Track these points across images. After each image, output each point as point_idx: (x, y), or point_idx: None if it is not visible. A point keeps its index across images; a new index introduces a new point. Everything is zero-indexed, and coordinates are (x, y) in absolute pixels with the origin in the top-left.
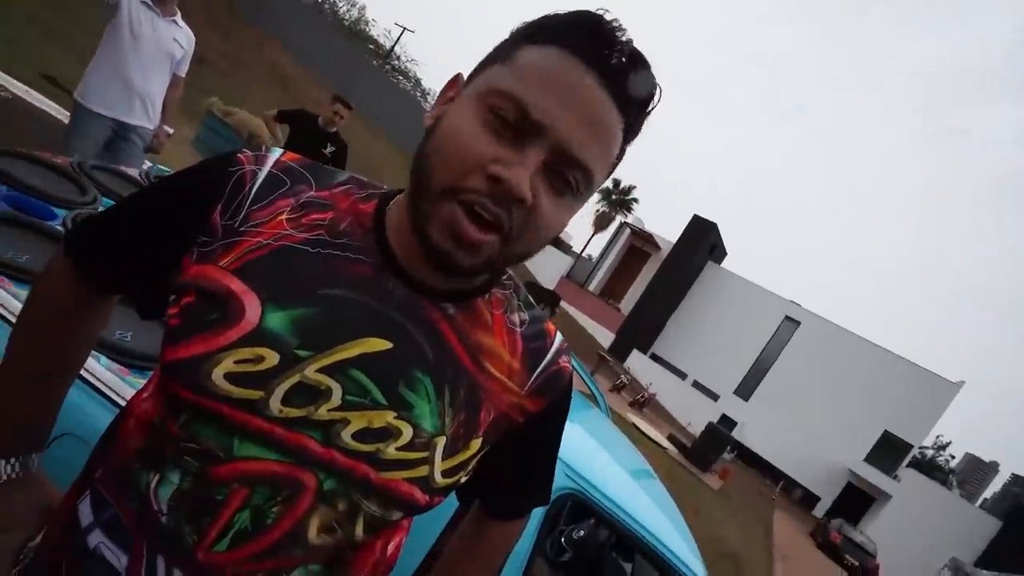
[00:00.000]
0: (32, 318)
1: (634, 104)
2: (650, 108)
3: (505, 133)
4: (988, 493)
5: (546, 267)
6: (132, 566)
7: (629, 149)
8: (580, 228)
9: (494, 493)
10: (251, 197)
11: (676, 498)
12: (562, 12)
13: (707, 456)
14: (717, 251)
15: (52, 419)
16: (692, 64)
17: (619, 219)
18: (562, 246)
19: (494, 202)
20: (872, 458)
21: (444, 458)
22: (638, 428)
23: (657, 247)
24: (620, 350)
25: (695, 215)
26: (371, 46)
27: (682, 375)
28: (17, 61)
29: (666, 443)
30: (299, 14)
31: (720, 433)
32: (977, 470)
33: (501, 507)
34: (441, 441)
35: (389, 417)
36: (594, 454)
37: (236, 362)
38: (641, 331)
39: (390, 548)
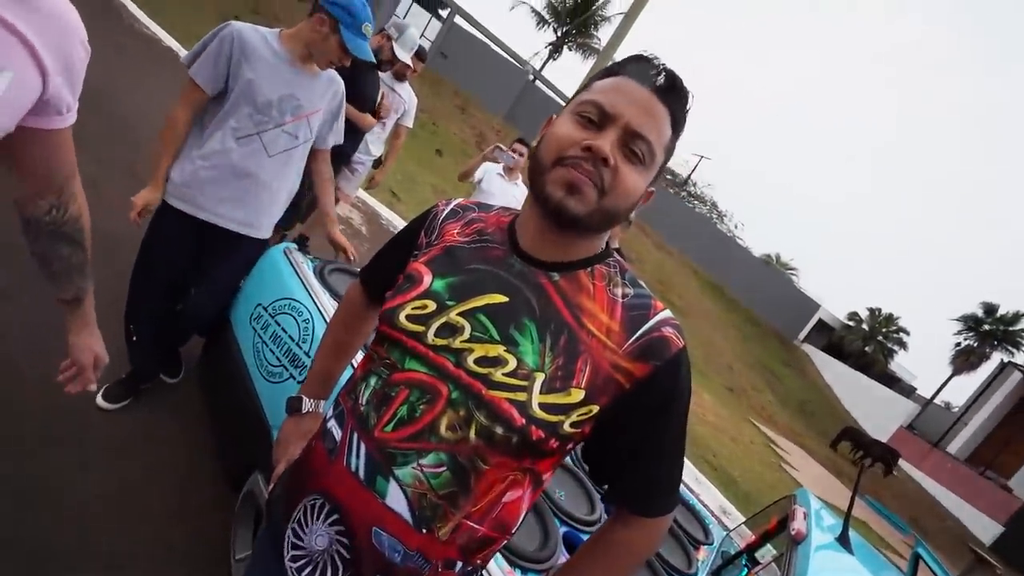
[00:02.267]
0: (339, 315)
1: (673, 101)
2: (687, 106)
3: (590, 126)
4: None
5: (872, 409)
6: (343, 437)
7: (678, 143)
8: (928, 364)
9: (614, 477)
10: (440, 221)
11: None
12: (620, 58)
13: None
14: None
15: (336, 380)
16: None
17: (999, 357)
18: (899, 385)
19: (588, 163)
20: None
21: (542, 392)
22: None
23: None
24: (1016, 553)
25: None
26: (668, 176)
27: None
28: (414, 208)
29: None
30: None
31: None
32: None
33: (620, 495)
34: (540, 376)
35: (500, 350)
36: None
37: (412, 308)
38: None
39: (507, 498)
